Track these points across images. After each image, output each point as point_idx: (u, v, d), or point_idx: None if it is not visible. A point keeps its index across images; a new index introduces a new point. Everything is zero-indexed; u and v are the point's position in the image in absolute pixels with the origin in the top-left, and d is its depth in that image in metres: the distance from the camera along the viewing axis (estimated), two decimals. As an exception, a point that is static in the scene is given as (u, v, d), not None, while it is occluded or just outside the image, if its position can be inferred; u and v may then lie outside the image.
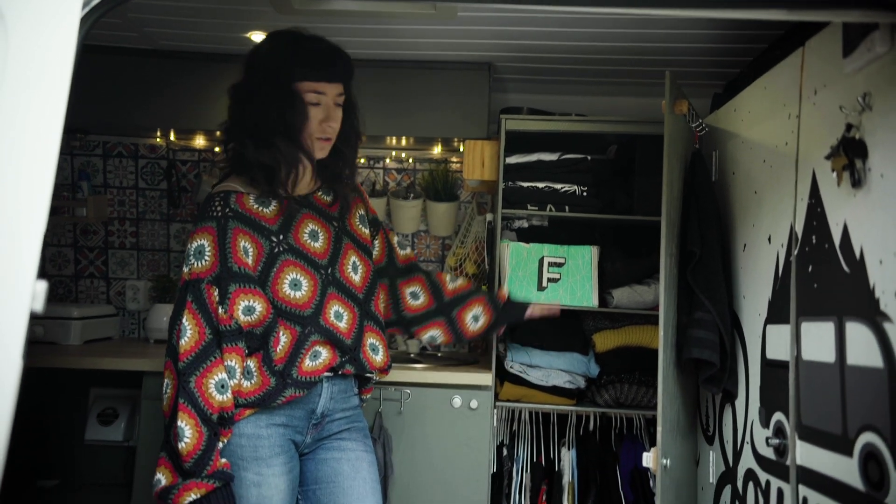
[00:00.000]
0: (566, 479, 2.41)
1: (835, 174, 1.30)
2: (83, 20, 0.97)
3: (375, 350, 1.67)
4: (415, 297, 1.84)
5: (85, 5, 0.99)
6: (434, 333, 1.87)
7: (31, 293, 0.76)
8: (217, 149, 2.87)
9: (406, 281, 1.85)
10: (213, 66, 2.53)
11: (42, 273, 2.70)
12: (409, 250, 1.92)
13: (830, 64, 1.37)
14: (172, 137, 2.82)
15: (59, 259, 2.96)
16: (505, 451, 2.46)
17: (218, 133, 2.68)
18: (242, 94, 1.58)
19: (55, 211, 2.88)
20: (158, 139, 2.89)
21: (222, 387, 1.46)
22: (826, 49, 1.40)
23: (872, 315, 1.19)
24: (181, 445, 1.42)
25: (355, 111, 1.69)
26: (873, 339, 1.19)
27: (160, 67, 2.56)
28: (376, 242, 1.82)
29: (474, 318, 1.88)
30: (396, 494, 2.22)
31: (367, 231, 1.75)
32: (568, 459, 2.44)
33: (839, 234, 1.31)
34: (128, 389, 2.69)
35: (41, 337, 2.58)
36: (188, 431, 1.42)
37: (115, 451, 2.75)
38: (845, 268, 1.29)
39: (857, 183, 1.24)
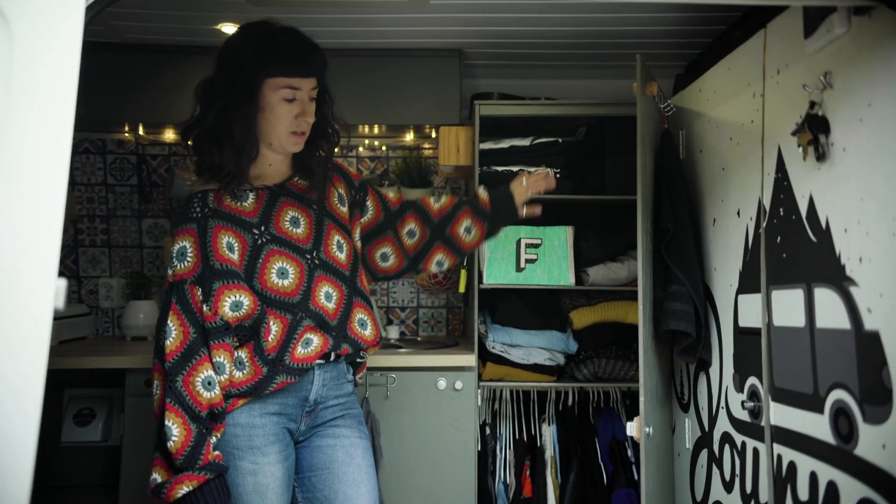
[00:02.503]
0: (548, 453, 2.49)
1: (800, 149, 1.38)
2: (88, 10, 0.98)
3: (364, 325, 1.69)
4: (411, 234, 1.86)
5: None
6: (438, 258, 1.87)
7: (54, 290, 0.78)
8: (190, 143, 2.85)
9: (401, 222, 1.86)
10: (182, 59, 2.51)
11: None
12: (393, 193, 1.92)
13: (792, 45, 1.44)
14: (141, 132, 2.79)
15: (28, 259, 2.91)
16: (488, 430, 2.53)
17: (175, 130, 2.69)
18: (211, 92, 1.57)
19: (22, 210, 2.82)
20: (127, 134, 2.85)
21: (209, 384, 1.48)
22: (787, 30, 1.47)
23: (839, 280, 1.27)
24: (170, 444, 1.44)
25: (330, 103, 1.69)
26: (840, 302, 1.27)
27: (127, 61, 2.53)
28: (369, 203, 1.82)
29: (466, 231, 1.85)
30: (386, 477, 2.26)
31: (345, 210, 1.76)
32: (549, 434, 2.51)
33: (805, 206, 1.39)
34: (104, 389, 2.67)
35: (15, 339, 2.54)
36: (175, 430, 1.45)
37: (94, 451, 2.72)
38: (812, 237, 1.37)
39: (821, 157, 1.32)
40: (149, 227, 2.93)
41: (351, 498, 1.58)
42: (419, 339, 2.88)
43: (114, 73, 2.53)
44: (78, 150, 2.91)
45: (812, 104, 1.34)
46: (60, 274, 2.89)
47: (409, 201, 1.91)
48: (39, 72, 0.86)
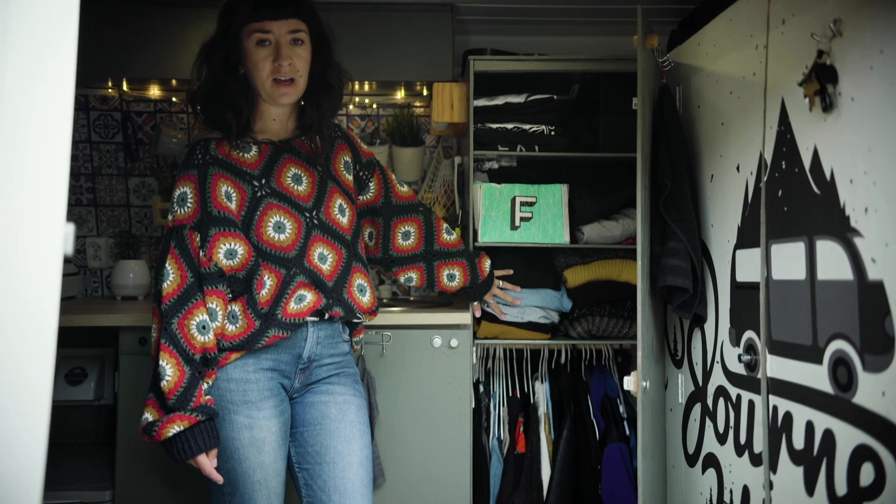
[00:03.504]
0: (541, 410, 2.51)
1: (807, 100, 1.37)
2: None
3: (363, 291, 1.69)
4: (406, 237, 1.90)
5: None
6: (412, 275, 1.97)
7: (63, 236, 0.76)
8: (175, 99, 2.78)
9: (402, 220, 1.89)
10: (167, 11, 2.44)
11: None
12: (408, 188, 1.95)
13: (799, -7, 1.42)
14: (125, 87, 2.72)
15: (12, 219, 2.85)
16: (481, 388, 2.55)
17: (174, 84, 2.63)
18: (206, 53, 1.60)
19: (4, 168, 2.75)
20: (110, 90, 2.78)
21: (203, 328, 1.48)
22: (795, -21, 1.44)
23: (843, 232, 1.27)
24: (163, 383, 1.44)
25: (327, 52, 1.66)
26: (843, 254, 1.27)
27: (111, 14, 2.45)
28: (371, 184, 1.83)
29: (450, 277, 1.99)
30: (382, 434, 2.28)
31: (350, 178, 1.76)
32: (542, 392, 2.54)
33: (809, 158, 1.39)
34: (95, 349, 2.66)
35: None
36: (169, 370, 1.45)
37: (87, 410, 2.72)
38: (815, 189, 1.36)
39: (828, 107, 1.30)
40: (135, 185, 2.88)
41: (342, 453, 1.59)
42: (412, 298, 2.88)
43: (96, 26, 2.45)
44: (60, 106, 2.83)
45: (820, 53, 1.32)
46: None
47: (424, 209, 1.95)
48: (39, 20, 0.82)
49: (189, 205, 1.52)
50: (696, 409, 2.02)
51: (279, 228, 1.56)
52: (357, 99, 2.87)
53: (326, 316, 1.64)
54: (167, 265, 1.50)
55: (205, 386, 1.49)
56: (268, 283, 1.55)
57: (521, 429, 2.52)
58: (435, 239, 1.94)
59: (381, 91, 2.81)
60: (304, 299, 1.58)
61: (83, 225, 2.88)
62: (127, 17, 2.45)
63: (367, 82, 2.68)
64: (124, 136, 2.82)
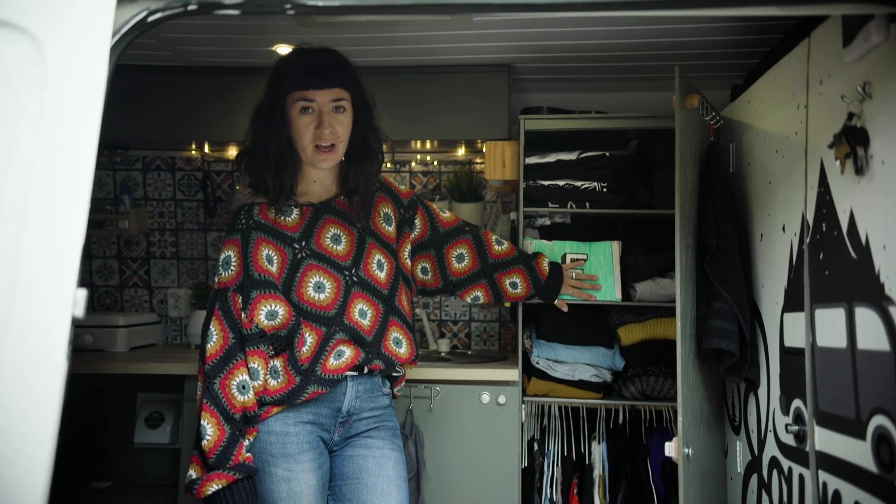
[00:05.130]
0: (597, 471, 2.44)
1: (838, 162, 1.32)
2: (114, 46, 1.06)
3: (399, 343, 1.73)
4: (460, 259, 1.94)
5: (115, 33, 1.08)
6: (478, 293, 2.01)
7: (73, 300, 0.84)
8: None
9: (452, 244, 1.94)
10: (242, 80, 2.63)
11: (89, 284, 2.84)
12: (450, 213, 2.00)
13: (833, 54, 1.39)
14: (206, 149, 2.94)
15: (105, 270, 3.11)
16: (536, 446, 2.51)
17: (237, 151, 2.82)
18: (252, 115, 1.69)
19: (99, 224, 3.03)
20: (194, 152, 3.01)
21: (243, 387, 1.54)
22: (829, 39, 1.41)
23: (878, 300, 1.21)
24: (204, 442, 1.52)
25: (369, 118, 1.72)
26: (880, 322, 1.20)
27: (193, 82, 2.67)
28: (416, 222, 1.88)
29: (512, 285, 2.01)
30: (430, 490, 2.28)
31: (391, 229, 1.81)
32: (598, 453, 2.47)
33: (846, 221, 1.33)
34: (172, 394, 2.82)
35: (91, 345, 2.73)
36: (210, 429, 1.52)
37: (163, 453, 2.88)
38: (853, 254, 1.30)
39: (859, 170, 1.26)
40: (213, 239, 3.08)
41: None
42: (470, 352, 2.89)
43: (181, 94, 2.68)
44: (150, 167, 3.09)
45: (850, 115, 1.28)
46: (129, 285, 3.08)
47: (470, 227, 1.99)
48: (70, 98, 0.93)
49: (233, 268, 1.61)
50: (754, 480, 1.92)
51: (319, 288, 1.63)
52: (419, 156, 2.97)
53: (366, 370, 1.68)
54: (211, 326, 1.58)
55: (246, 443, 1.56)
56: (308, 341, 1.61)
57: (575, 490, 2.45)
58: (488, 253, 1.97)
59: (442, 148, 2.89)
60: (343, 354, 1.64)
61: (166, 276, 3.10)
62: (208, 85, 2.67)
63: (428, 140, 2.77)
64: (204, 194, 3.03)
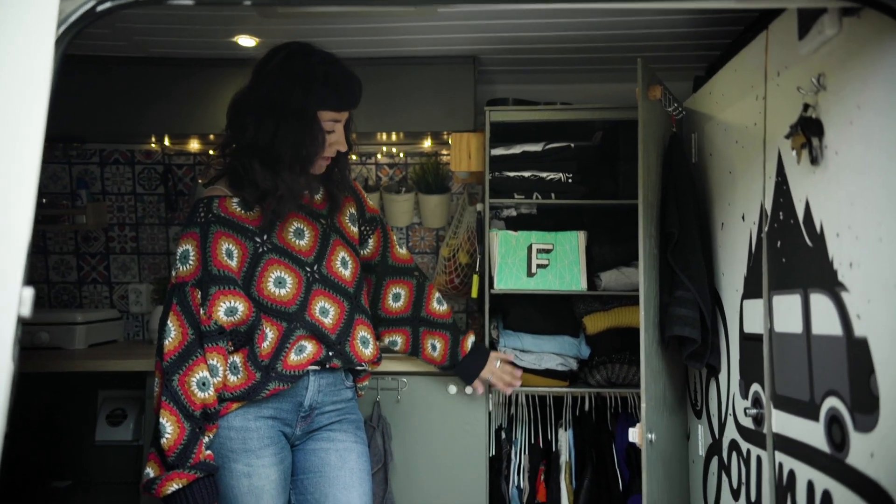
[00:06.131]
0: (563, 458, 2.48)
1: (794, 152, 1.36)
2: (61, 37, 1.03)
3: (366, 343, 1.72)
4: (396, 298, 1.92)
5: (62, 23, 1.05)
6: (397, 339, 1.98)
7: (19, 299, 0.82)
8: (212, 152, 2.93)
9: (395, 280, 1.91)
10: (203, 71, 2.59)
11: (45, 280, 2.75)
12: (406, 251, 1.97)
13: (790, 46, 1.42)
14: (167, 142, 2.88)
15: (63, 266, 3.03)
16: (503, 435, 2.53)
17: (212, 139, 2.77)
18: (252, 110, 1.56)
19: (56, 219, 2.95)
20: (154, 145, 2.95)
21: (203, 384, 1.52)
22: (786, 32, 1.45)
23: (832, 286, 1.24)
24: (163, 441, 1.49)
25: (352, 123, 1.71)
26: (833, 308, 1.24)
27: (152, 74, 2.61)
28: (370, 240, 1.86)
29: (432, 347, 1.99)
30: (397, 480, 2.29)
31: (355, 230, 1.80)
32: (565, 440, 2.50)
33: (802, 210, 1.37)
34: (135, 390, 2.77)
35: (47, 342, 2.66)
36: (169, 427, 1.49)
37: (125, 450, 2.83)
38: (808, 242, 1.34)
39: (815, 160, 1.29)
40: (175, 234, 3.02)
41: (340, 501, 1.61)
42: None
43: (140, 86, 2.62)
44: (108, 160, 3.02)
45: (806, 106, 1.32)
46: (88, 281, 3.02)
47: (419, 274, 1.96)
48: (12, 86, 0.91)
49: (191, 262, 1.57)
50: (714, 463, 1.96)
51: (280, 283, 1.61)
52: (385, 148, 2.96)
53: (327, 365, 1.67)
54: (169, 322, 1.55)
55: (206, 440, 1.53)
56: (269, 336, 1.59)
57: (542, 477, 2.48)
58: (423, 306, 1.95)
59: (408, 140, 2.89)
60: (304, 350, 1.62)
61: (126, 272, 3.04)
62: (167, 76, 2.61)
63: (394, 132, 2.76)
64: (165, 187, 2.98)
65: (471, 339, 2.02)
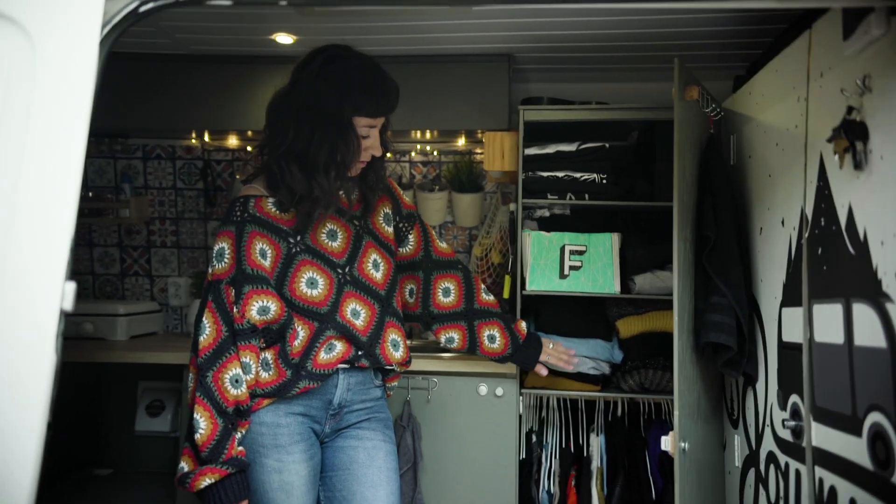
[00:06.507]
0: (595, 464, 2.44)
1: (837, 157, 1.31)
2: (105, 37, 1.05)
3: (396, 346, 1.71)
4: (446, 293, 1.87)
5: (106, 24, 1.07)
6: (454, 335, 1.88)
7: (62, 293, 0.84)
8: (250, 148, 2.97)
9: (442, 275, 1.87)
10: (241, 68, 2.63)
11: (90, 272, 2.83)
12: (446, 244, 1.94)
13: (834, 47, 1.37)
14: (207, 138, 2.93)
15: (106, 259, 3.11)
16: (534, 438, 2.51)
17: (250, 135, 2.81)
18: (291, 113, 1.57)
19: (100, 213, 3.03)
20: (194, 140, 3.00)
21: (237, 381, 1.54)
22: (830, 32, 1.39)
23: (876, 296, 1.19)
24: (197, 436, 1.51)
25: (388, 127, 1.70)
26: (877, 319, 1.19)
27: (192, 71, 2.66)
28: (410, 237, 1.84)
29: (490, 339, 1.89)
30: (427, 481, 2.29)
31: (390, 230, 1.78)
32: (597, 445, 2.47)
33: (845, 217, 1.32)
34: (173, 382, 2.82)
35: (91, 333, 2.73)
36: (203, 423, 1.51)
37: (163, 441, 2.90)
38: (851, 250, 1.29)
39: (858, 165, 1.24)
40: (213, 229, 3.07)
41: (368, 499, 1.61)
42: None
43: (181, 83, 2.67)
44: (151, 155, 3.09)
45: (850, 109, 1.27)
46: (130, 273, 3.09)
47: (463, 266, 1.91)
48: (59, 87, 0.93)
49: (226, 260, 1.59)
50: (751, 475, 1.91)
51: (311, 284, 1.62)
52: (419, 146, 2.96)
53: (356, 364, 1.67)
54: (204, 319, 1.57)
55: (238, 436, 1.55)
56: (301, 335, 1.60)
57: (573, 482, 2.45)
58: (475, 297, 1.88)
59: (442, 139, 2.88)
60: (334, 349, 1.63)
61: (167, 265, 3.10)
62: (207, 73, 2.65)
63: (428, 130, 2.76)
64: (204, 183, 3.03)
65: (523, 324, 1.95)
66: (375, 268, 1.70)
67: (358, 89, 1.56)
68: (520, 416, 2.36)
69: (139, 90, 2.65)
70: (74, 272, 3.17)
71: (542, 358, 1.95)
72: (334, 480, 1.66)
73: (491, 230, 2.80)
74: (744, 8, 1.25)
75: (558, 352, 1.99)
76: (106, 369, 2.90)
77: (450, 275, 1.88)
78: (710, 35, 2.32)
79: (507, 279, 2.42)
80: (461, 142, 2.89)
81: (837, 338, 1.35)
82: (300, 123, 1.56)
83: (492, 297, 1.93)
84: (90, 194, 3.00)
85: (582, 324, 2.34)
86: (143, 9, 1.07)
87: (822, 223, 1.42)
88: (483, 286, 1.94)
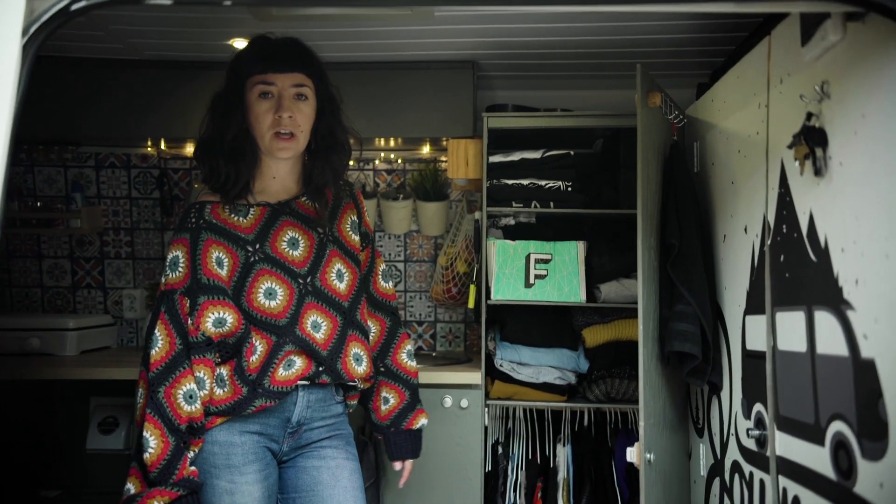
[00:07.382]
0: (561, 475, 2.41)
1: (797, 163, 1.30)
2: (32, 37, 0.98)
3: (359, 360, 1.63)
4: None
5: (33, 22, 1.01)
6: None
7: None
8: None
9: (370, 313, 1.73)
10: (199, 74, 2.55)
11: (39, 284, 2.70)
12: (391, 285, 1.80)
13: (793, 53, 1.36)
14: (163, 146, 2.84)
15: (56, 270, 3.00)
16: (500, 450, 2.47)
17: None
18: (210, 103, 1.61)
19: (50, 223, 2.92)
20: (150, 148, 2.91)
21: (190, 397, 1.46)
22: (789, 38, 1.39)
23: (837, 303, 1.18)
24: (146, 455, 1.42)
25: (334, 110, 1.64)
26: (838, 327, 1.18)
27: (147, 77, 2.58)
28: (359, 258, 1.72)
29: (384, 400, 1.74)
30: (391, 496, 2.23)
31: (356, 238, 1.70)
32: (563, 456, 2.44)
33: (806, 223, 1.31)
34: (127, 398, 2.71)
35: (37, 349, 2.62)
36: (153, 441, 1.43)
37: (117, 459, 2.77)
38: (812, 257, 1.28)
39: (818, 172, 1.23)
40: (170, 239, 2.98)
41: None
42: (434, 353, 2.84)
43: (135, 90, 2.59)
44: (104, 164, 2.99)
45: (809, 115, 1.26)
46: (83, 286, 2.98)
47: (396, 319, 1.77)
48: None
49: (180, 270, 1.52)
50: (716, 484, 1.90)
51: (270, 295, 1.54)
52: (383, 154, 2.91)
53: (316, 381, 1.60)
54: (156, 331, 1.49)
55: (190, 455, 1.47)
56: (258, 349, 1.53)
57: (539, 494, 2.42)
58: (390, 354, 1.74)
59: (406, 146, 2.84)
60: (293, 365, 1.56)
61: (121, 277, 3.00)
62: (163, 79, 2.58)
63: (392, 138, 2.71)
64: (161, 192, 2.94)
65: (423, 420, 1.76)
66: (339, 278, 1.63)
67: (246, 55, 1.59)
68: (485, 428, 2.32)
69: (90, 96, 2.56)
70: (21, 285, 3.01)
71: (399, 466, 1.77)
72: (298, 503, 1.59)
73: (456, 239, 2.76)
74: (703, 12, 1.24)
75: (405, 474, 1.78)
76: (56, 385, 2.78)
77: (377, 316, 1.75)
78: (672, 42, 2.33)
79: (472, 288, 2.38)
80: (426, 150, 2.85)
81: (800, 346, 1.34)
82: (212, 112, 1.59)
83: (413, 365, 1.76)
84: (38, 204, 2.89)
85: (548, 333, 2.31)
86: (74, 7, 1.01)
87: (784, 230, 1.41)
88: (409, 349, 1.76)
